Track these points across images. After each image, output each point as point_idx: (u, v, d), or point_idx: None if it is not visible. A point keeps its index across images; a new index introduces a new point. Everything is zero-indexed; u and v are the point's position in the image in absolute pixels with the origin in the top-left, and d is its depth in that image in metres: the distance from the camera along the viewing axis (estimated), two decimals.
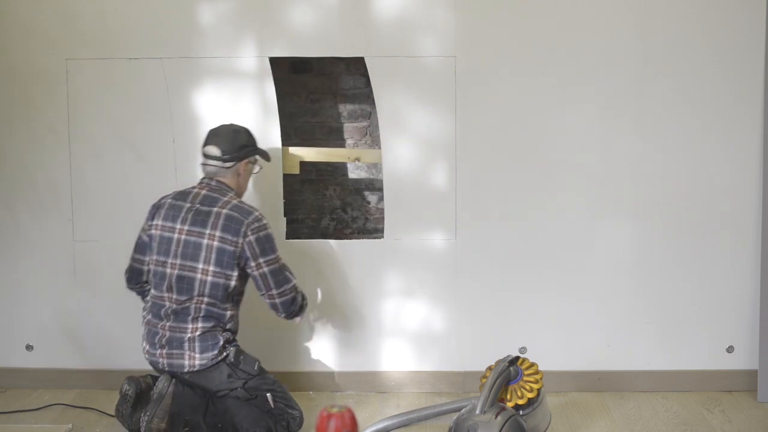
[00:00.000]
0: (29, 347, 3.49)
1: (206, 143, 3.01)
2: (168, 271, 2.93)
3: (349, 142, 3.91)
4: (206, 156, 3.00)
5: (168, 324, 2.92)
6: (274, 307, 3.01)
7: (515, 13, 3.28)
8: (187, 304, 2.91)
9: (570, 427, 3.07)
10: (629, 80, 3.30)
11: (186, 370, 2.90)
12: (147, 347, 2.97)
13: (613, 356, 3.41)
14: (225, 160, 2.99)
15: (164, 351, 2.92)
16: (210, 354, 2.90)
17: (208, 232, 2.91)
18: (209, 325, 2.92)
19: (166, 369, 2.92)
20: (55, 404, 3.30)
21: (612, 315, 3.40)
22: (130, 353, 3.45)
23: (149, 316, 2.98)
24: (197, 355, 2.90)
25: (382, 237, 3.42)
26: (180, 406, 2.86)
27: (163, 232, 2.96)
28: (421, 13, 3.29)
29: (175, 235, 2.94)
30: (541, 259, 3.38)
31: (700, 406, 3.25)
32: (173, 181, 3.36)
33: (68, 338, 3.47)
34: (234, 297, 2.99)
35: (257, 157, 3.10)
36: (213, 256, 2.90)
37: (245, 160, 3.03)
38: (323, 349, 3.44)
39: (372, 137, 3.88)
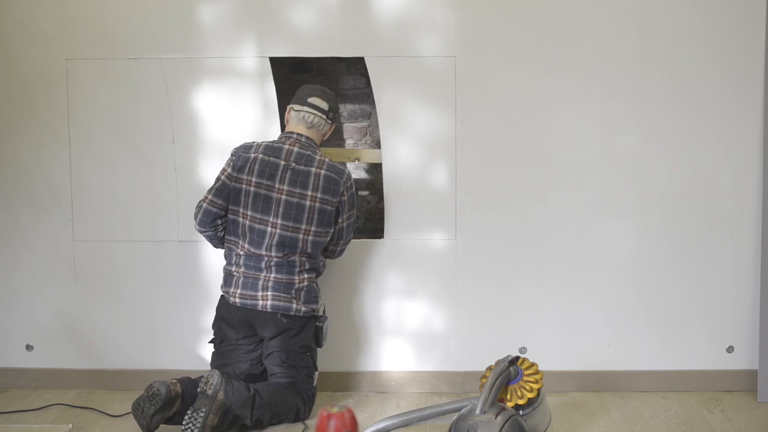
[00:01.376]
0: (29, 347, 3.49)
1: (311, 94, 3.15)
2: (269, 230, 3.04)
3: (349, 142, 3.92)
4: (313, 106, 3.13)
5: (272, 275, 3.05)
6: (332, 253, 3.23)
7: (515, 12, 3.29)
8: (292, 258, 3.06)
9: (570, 427, 3.07)
10: (630, 80, 3.30)
11: (292, 313, 3.05)
12: (239, 291, 3.07)
13: (613, 356, 3.41)
14: (328, 117, 3.16)
15: (269, 293, 3.04)
16: (312, 306, 3.11)
17: (309, 193, 3.04)
18: (313, 276, 3.14)
19: (268, 310, 3.03)
20: (55, 404, 3.30)
21: (612, 315, 3.40)
22: (130, 353, 3.45)
23: (242, 269, 3.08)
24: (302, 304, 3.08)
25: (382, 237, 3.42)
26: (231, 401, 2.90)
27: (258, 189, 3.04)
28: (421, 13, 3.29)
29: (275, 195, 3.04)
30: (541, 260, 3.38)
31: (700, 406, 3.25)
32: (173, 181, 3.36)
33: (68, 338, 3.47)
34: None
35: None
36: (315, 216, 3.05)
37: (334, 125, 3.23)
38: (323, 349, 3.43)
39: (372, 137, 3.88)
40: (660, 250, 3.37)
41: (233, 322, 3.09)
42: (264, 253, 3.05)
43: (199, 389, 2.89)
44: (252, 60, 3.32)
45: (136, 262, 3.42)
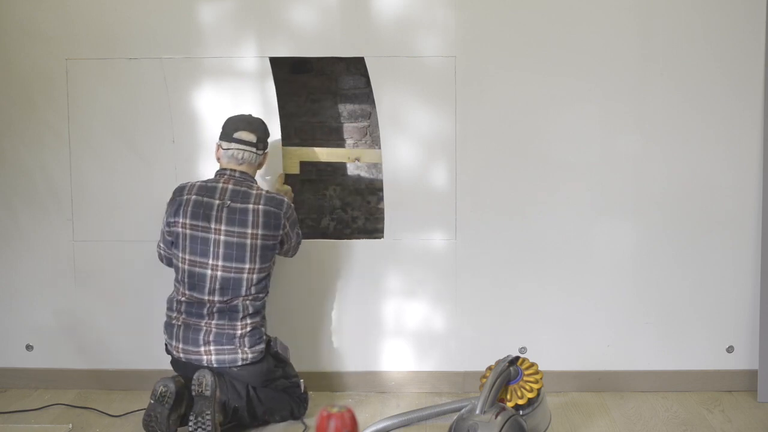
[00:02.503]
0: (29, 347, 3.48)
1: (237, 128, 3.02)
2: (209, 272, 2.94)
3: (349, 142, 3.91)
4: (240, 141, 3.01)
5: (214, 322, 2.95)
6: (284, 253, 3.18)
7: (515, 12, 3.28)
8: (235, 303, 2.96)
9: (570, 427, 3.07)
10: (630, 80, 3.30)
11: (239, 364, 2.95)
12: (181, 345, 2.96)
13: (613, 356, 3.41)
14: (258, 148, 3.04)
15: (211, 347, 2.94)
16: (259, 347, 2.99)
17: (250, 231, 2.95)
18: (257, 319, 3.00)
19: (214, 365, 2.93)
20: (55, 404, 3.30)
21: (612, 315, 3.40)
22: (130, 353, 3.45)
23: (183, 315, 2.97)
24: (248, 350, 2.96)
25: (382, 237, 3.42)
26: (227, 395, 2.92)
27: (194, 231, 2.95)
28: (421, 13, 3.28)
29: (212, 236, 2.94)
30: (541, 260, 3.38)
31: (700, 406, 3.25)
32: (173, 181, 3.36)
33: (68, 338, 3.47)
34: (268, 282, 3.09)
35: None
36: (258, 253, 2.96)
37: (266, 152, 3.11)
38: (323, 349, 3.44)
39: (372, 137, 3.88)
40: (660, 250, 3.37)
41: (184, 373, 3.00)
42: (206, 298, 2.94)
43: (193, 392, 2.88)
44: (252, 60, 3.32)
45: (136, 262, 3.42)
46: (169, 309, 3.03)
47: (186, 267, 2.97)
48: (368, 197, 3.97)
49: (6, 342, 3.49)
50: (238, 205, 2.96)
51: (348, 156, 3.61)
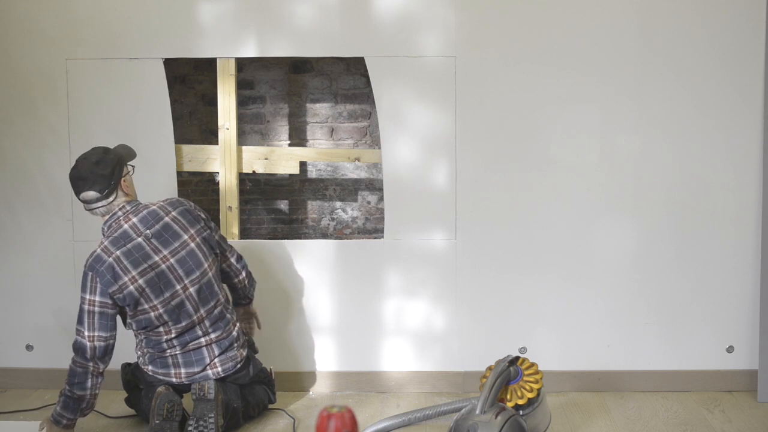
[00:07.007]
0: (29, 347, 3.48)
1: (79, 190, 2.84)
2: (182, 295, 2.87)
3: (349, 142, 3.92)
4: (88, 202, 2.86)
5: (212, 336, 2.94)
6: (237, 272, 3.11)
7: (515, 12, 3.28)
8: (219, 307, 2.96)
9: (570, 427, 3.07)
10: (630, 79, 3.30)
11: (239, 365, 2.98)
12: (183, 371, 2.92)
13: (613, 356, 3.41)
14: (107, 195, 2.86)
15: (217, 360, 2.94)
16: (244, 344, 3.04)
17: (186, 236, 2.91)
18: (235, 316, 3.03)
19: (221, 375, 2.93)
20: (55, 404, 3.29)
21: (612, 315, 3.40)
22: (130, 353, 3.45)
23: (177, 349, 2.91)
24: (242, 350, 3.00)
25: (382, 237, 3.42)
26: (228, 396, 2.94)
27: (145, 277, 2.81)
28: (421, 12, 3.29)
29: (163, 265, 2.85)
30: (541, 259, 3.38)
31: (700, 406, 3.25)
32: (173, 181, 3.36)
33: (68, 338, 3.45)
34: None
35: (128, 164, 2.98)
36: (205, 249, 2.95)
37: (122, 179, 2.91)
38: (323, 349, 3.44)
39: (372, 137, 3.88)
40: (660, 249, 3.37)
41: (153, 385, 2.95)
42: (195, 317, 2.89)
43: (194, 397, 2.87)
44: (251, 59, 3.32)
45: None
46: (157, 350, 2.92)
47: (160, 310, 2.85)
48: (368, 197, 3.97)
49: (6, 342, 3.49)
50: (157, 228, 2.87)
51: (348, 156, 3.61)
